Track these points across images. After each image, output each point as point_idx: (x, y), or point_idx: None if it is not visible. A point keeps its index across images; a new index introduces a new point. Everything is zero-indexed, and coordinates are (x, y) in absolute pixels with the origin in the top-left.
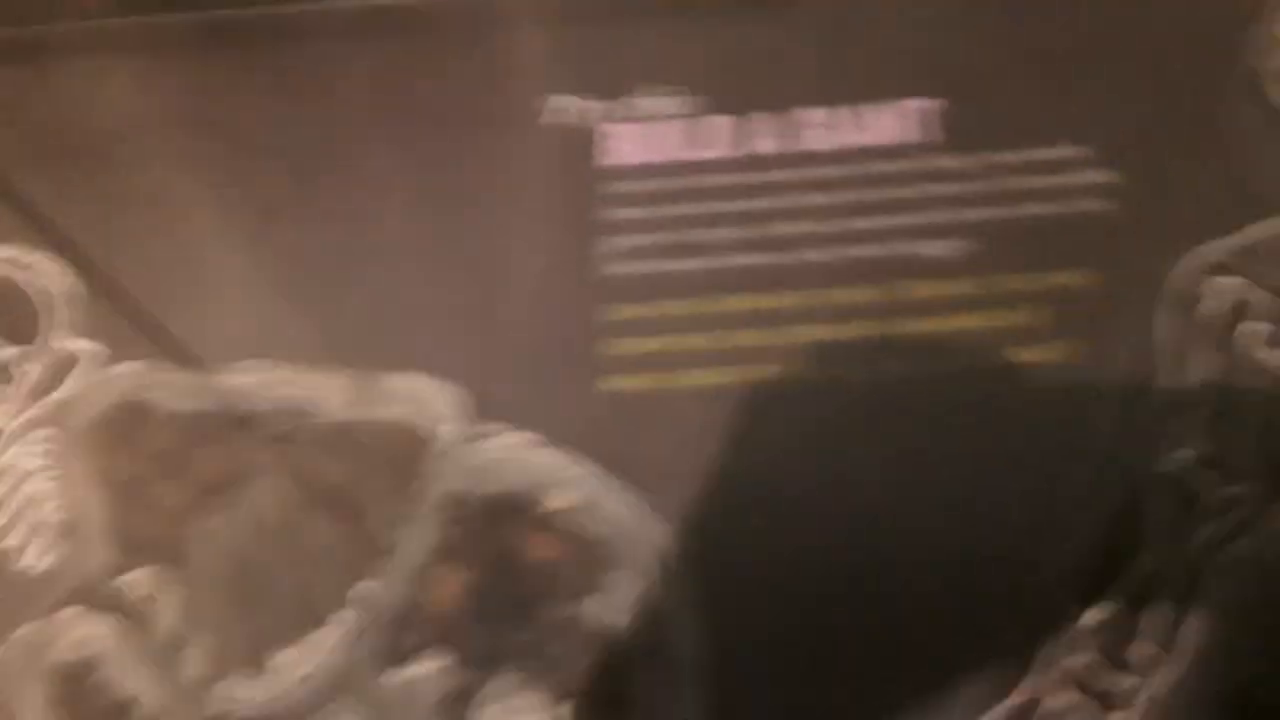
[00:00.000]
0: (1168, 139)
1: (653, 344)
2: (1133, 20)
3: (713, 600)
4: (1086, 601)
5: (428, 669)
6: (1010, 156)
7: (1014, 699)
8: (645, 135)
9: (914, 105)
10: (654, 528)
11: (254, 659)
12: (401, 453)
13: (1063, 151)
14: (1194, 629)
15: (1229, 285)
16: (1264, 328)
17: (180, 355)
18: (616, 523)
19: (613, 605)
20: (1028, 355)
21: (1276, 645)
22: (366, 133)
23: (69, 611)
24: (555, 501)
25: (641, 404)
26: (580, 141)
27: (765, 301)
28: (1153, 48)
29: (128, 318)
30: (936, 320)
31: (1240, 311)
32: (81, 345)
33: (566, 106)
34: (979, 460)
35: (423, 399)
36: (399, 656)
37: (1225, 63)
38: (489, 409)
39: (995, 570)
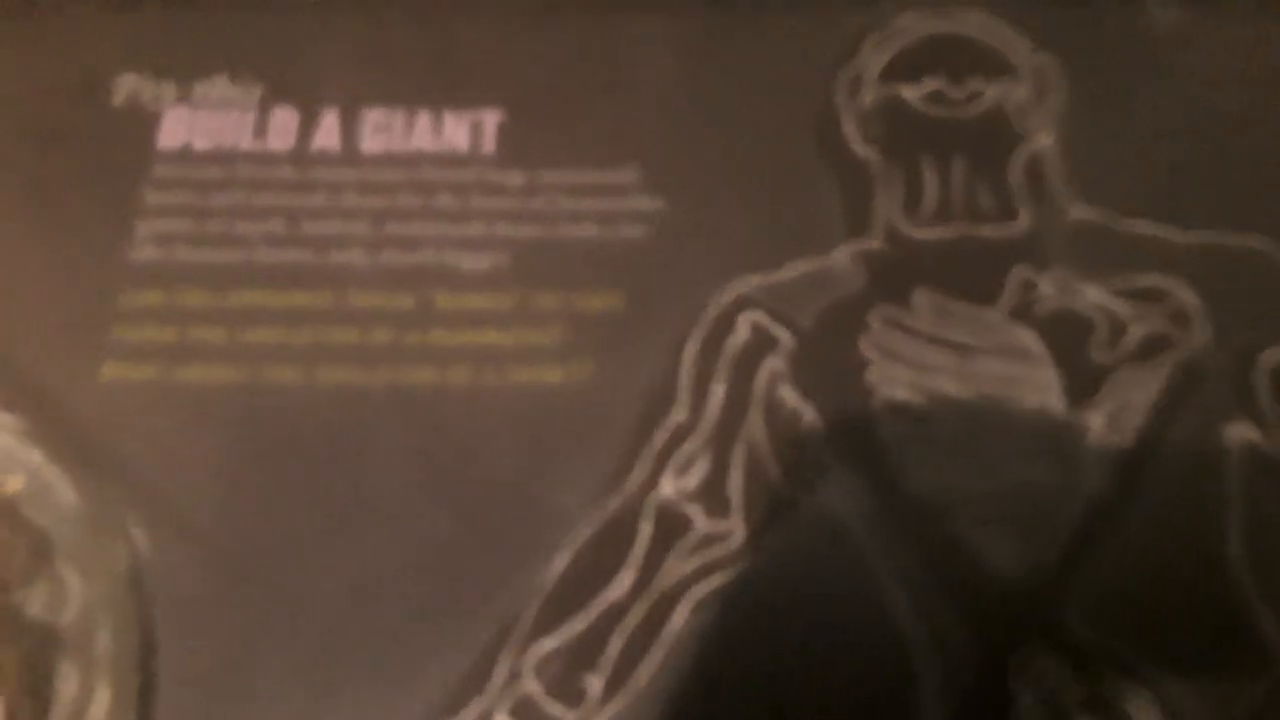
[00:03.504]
0: (719, 172)
1: (168, 334)
2: (708, 50)
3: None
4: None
5: None
6: (559, 176)
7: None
8: (209, 121)
9: (473, 115)
10: (113, 522)
11: None
12: None
13: (611, 175)
14: (652, 664)
15: (758, 320)
16: (782, 365)
17: None
18: (63, 514)
19: (48, 599)
20: (547, 373)
21: (732, 684)
22: None
23: None
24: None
25: (144, 395)
26: (144, 123)
27: (291, 299)
28: (726, 80)
29: None
30: (464, 333)
31: (766, 347)
32: None
33: (135, 88)
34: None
35: None
36: None
37: (802, 101)
38: None
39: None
